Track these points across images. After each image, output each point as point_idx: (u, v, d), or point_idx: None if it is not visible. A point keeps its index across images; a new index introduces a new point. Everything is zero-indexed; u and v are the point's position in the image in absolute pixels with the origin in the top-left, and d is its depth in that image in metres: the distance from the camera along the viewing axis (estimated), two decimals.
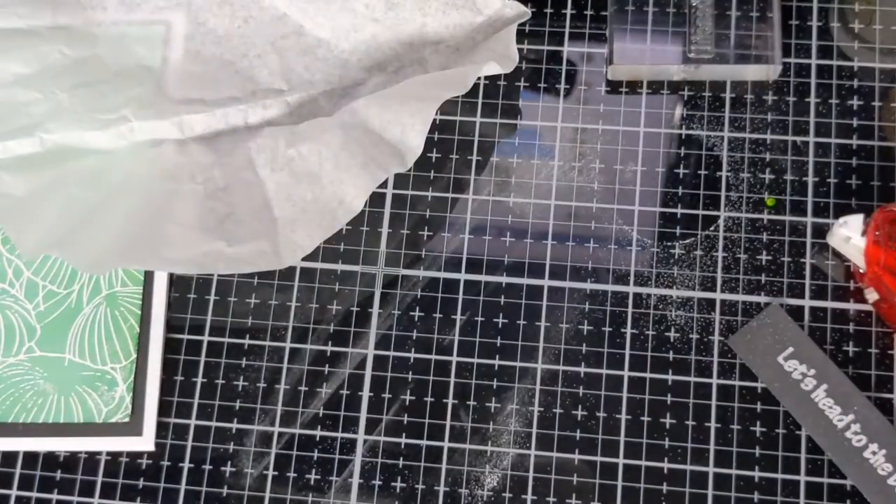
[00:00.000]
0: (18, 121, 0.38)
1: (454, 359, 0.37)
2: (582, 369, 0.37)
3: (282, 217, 0.35)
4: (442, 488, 0.36)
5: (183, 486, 0.37)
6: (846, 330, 0.36)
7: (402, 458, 0.36)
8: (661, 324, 0.37)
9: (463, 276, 0.38)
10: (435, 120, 0.40)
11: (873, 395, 0.35)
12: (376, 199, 0.39)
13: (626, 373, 0.36)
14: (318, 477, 0.36)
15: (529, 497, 0.35)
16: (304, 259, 0.38)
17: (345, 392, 0.37)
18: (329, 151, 0.35)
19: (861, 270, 0.35)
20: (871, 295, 0.35)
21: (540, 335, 0.37)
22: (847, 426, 0.34)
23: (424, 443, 0.36)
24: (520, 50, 0.40)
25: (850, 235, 0.35)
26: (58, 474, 0.37)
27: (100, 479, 0.37)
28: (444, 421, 0.36)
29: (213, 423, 0.37)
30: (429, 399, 0.37)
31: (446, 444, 0.36)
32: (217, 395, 0.37)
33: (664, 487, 0.35)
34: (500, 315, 0.37)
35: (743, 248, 0.37)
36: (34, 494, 0.37)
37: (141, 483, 0.37)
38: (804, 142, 0.38)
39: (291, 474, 0.36)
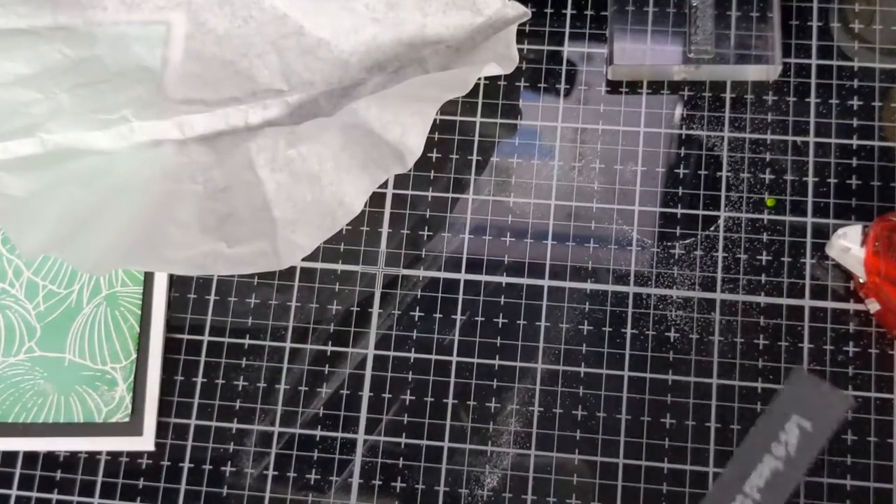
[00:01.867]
0: (18, 121, 0.38)
1: (454, 359, 0.37)
2: (582, 369, 0.37)
3: (282, 218, 0.35)
4: (442, 488, 0.36)
5: (183, 486, 0.37)
6: (846, 330, 0.36)
7: (402, 458, 0.36)
8: (661, 324, 0.37)
9: (463, 276, 0.38)
10: (435, 120, 0.40)
11: (873, 394, 0.35)
12: (376, 199, 0.39)
13: (626, 373, 0.36)
14: (318, 477, 0.36)
15: (529, 497, 0.35)
16: (304, 259, 0.38)
17: (345, 392, 0.37)
18: (329, 152, 0.35)
19: (861, 281, 0.35)
20: (872, 305, 0.35)
21: (540, 335, 0.37)
22: None
23: (424, 443, 0.36)
24: (520, 50, 0.40)
25: (849, 246, 0.35)
26: (58, 474, 0.37)
27: (100, 479, 0.37)
28: (444, 421, 0.36)
29: (213, 423, 0.37)
30: (429, 399, 0.37)
31: (446, 444, 0.36)
32: (217, 395, 0.37)
33: (664, 487, 0.35)
34: (500, 315, 0.37)
35: (743, 249, 0.37)
36: (34, 494, 0.37)
37: (141, 483, 0.37)
38: (804, 142, 0.38)
39: (291, 474, 0.37)
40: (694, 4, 0.39)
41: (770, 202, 0.38)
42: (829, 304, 0.36)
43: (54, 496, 0.37)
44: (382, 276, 0.38)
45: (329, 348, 0.38)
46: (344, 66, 0.39)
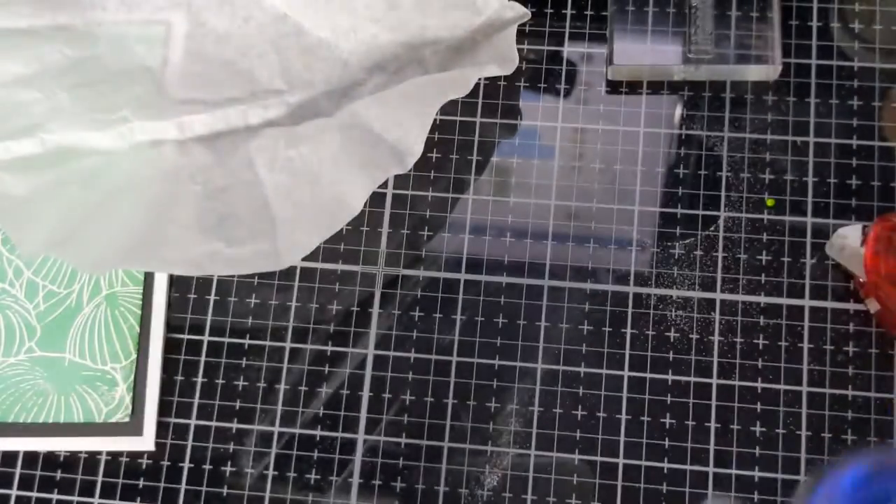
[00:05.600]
0: (19, 121, 0.38)
1: (454, 359, 0.37)
2: (582, 369, 0.37)
3: (281, 218, 0.35)
4: (442, 488, 0.36)
5: (183, 486, 0.37)
6: (846, 330, 0.36)
7: (402, 458, 0.36)
8: (661, 324, 0.37)
9: (463, 276, 0.38)
10: (435, 120, 0.40)
11: (873, 394, 0.35)
12: (376, 199, 0.39)
13: (626, 373, 0.36)
14: (318, 477, 0.36)
15: (529, 497, 0.35)
16: (304, 259, 0.38)
17: (345, 392, 0.37)
18: (329, 152, 0.35)
19: (861, 281, 0.35)
20: (872, 305, 0.35)
21: (540, 335, 0.37)
22: None
23: (424, 443, 0.36)
24: (520, 50, 0.40)
25: (849, 246, 0.35)
26: (58, 474, 0.37)
27: (100, 479, 0.37)
28: (444, 421, 0.36)
29: (213, 423, 0.37)
30: (429, 399, 0.37)
31: (446, 444, 0.36)
32: (217, 395, 0.37)
33: (664, 487, 0.35)
34: (500, 315, 0.37)
35: (743, 249, 0.37)
36: (34, 494, 0.37)
37: (141, 483, 0.37)
38: (804, 142, 0.38)
39: (291, 474, 0.37)
40: (694, 4, 0.39)
41: (770, 202, 0.38)
42: (829, 304, 0.36)
43: (54, 496, 0.37)
44: (382, 276, 0.38)
45: (329, 348, 0.38)
46: (344, 66, 0.39)
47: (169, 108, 0.39)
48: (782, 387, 0.36)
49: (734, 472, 0.35)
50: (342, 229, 0.39)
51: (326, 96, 0.39)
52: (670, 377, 0.36)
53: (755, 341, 0.36)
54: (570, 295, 0.37)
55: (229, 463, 0.37)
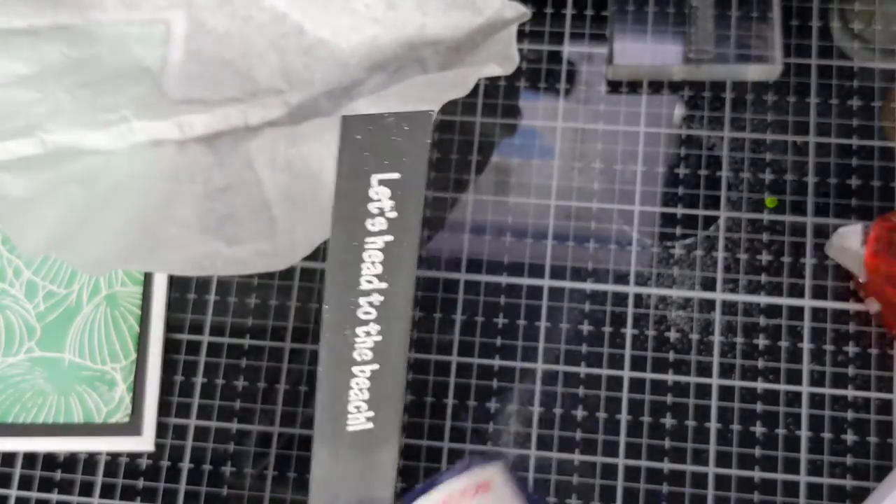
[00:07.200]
0: (19, 121, 0.38)
1: (454, 359, 0.37)
2: (582, 369, 0.37)
3: (281, 217, 0.35)
4: None
5: (183, 487, 0.37)
6: (846, 330, 0.36)
7: (402, 459, 0.36)
8: (662, 324, 0.37)
9: (463, 276, 0.38)
10: (435, 120, 0.40)
11: (873, 394, 0.35)
12: None
13: (626, 373, 0.36)
14: None
15: None
16: (304, 259, 0.38)
17: None
18: (329, 152, 0.35)
19: (861, 281, 0.35)
20: (873, 305, 0.35)
21: (540, 335, 0.37)
22: None
23: (424, 443, 0.36)
24: (520, 50, 0.40)
25: (849, 246, 0.35)
26: (58, 474, 0.37)
27: (99, 479, 0.37)
28: (443, 421, 0.36)
29: (213, 424, 0.37)
30: (429, 399, 0.37)
31: (446, 445, 0.36)
32: (217, 395, 0.37)
33: (664, 488, 0.35)
34: (500, 315, 0.37)
35: (743, 249, 0.37)
36: (34, 494, 0.37)
37: (141, 483, 0.37)
38: (804, 142, 0.38)
39: (291, 474, 0.36)
40: (694, 4, 0.39)
41: (770, 202, 0.38)
42: (829, 304, 0.36)
43: (54, 496, 0.37)
44: None
45: None
46: (344, 66, 0.39)
47: (169, 108, 0.39)
48: (782, 387, 0.36)
49: (734, 472, 0.35)
50: None
51: (326, 96, 0.39)
52: (670, 377, 0.36)
53: (755, 341, 0.36)
54: (570, 295, 0.37)
55: (229, 463, 0.37)
